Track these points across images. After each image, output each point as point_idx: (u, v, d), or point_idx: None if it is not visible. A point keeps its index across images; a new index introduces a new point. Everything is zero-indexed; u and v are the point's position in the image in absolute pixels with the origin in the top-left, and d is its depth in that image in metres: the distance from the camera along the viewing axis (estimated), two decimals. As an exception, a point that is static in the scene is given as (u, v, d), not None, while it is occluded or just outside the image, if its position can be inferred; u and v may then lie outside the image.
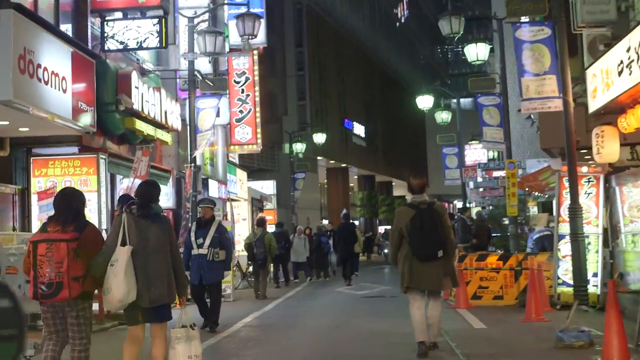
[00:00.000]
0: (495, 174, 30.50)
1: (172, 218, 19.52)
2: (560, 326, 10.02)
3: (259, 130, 25.64)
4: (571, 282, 13.78)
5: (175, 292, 7.69)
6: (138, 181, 15.72)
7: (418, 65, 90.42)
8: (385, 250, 34.29)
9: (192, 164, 19.40)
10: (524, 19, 16.61)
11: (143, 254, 7.49)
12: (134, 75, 15.85)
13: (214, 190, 23.11)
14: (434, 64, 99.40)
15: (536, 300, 12.50)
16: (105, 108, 15.04)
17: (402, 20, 78.85)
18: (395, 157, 70.24)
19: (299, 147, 39.90)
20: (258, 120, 25.55)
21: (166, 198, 19.89)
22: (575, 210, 13.67)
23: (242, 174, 29.92)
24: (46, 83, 11.83)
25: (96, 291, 7.66)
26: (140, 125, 16.29)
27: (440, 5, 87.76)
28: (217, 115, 20.94)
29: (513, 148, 37.42)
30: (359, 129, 58.90)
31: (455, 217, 23.14)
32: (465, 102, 58.23)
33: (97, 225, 14.38)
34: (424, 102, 31.29)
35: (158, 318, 7.59)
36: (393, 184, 74.28)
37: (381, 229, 63.00)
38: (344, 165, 56.60)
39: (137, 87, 15.91)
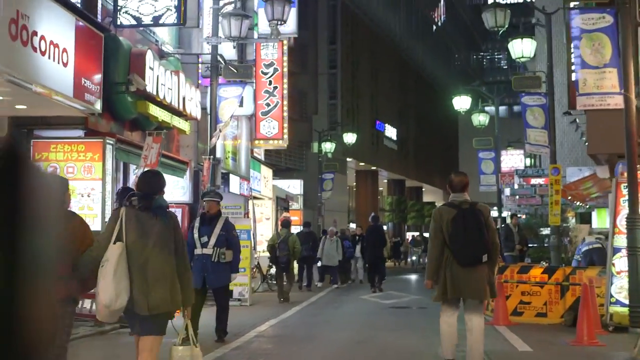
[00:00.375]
0: (534, 181, 28.97)
1: (187, 213, 18.14)
2: (616, 353, 8.51)
3: (285, 125, 24.23)
4: (626, 301, 12.17)
5: (180, 299, 6.57)
6: (149, 171, 14.40)
7: (453, 70, 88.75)
8: (414, 258, 32.96)
9: (211, 156, 18.03)
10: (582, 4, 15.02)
11: (142, 253, 6.44)
12: (149, 55, 14.49)
13: (235, 186, 21.73)
14: (469, 70, 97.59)
15: (589, 320, 10.95)
16: (115, 88, 13.69)
17: (439, 24, 77.17)
18: (426, 162, 68.65)
19: (328, 146, 38.51)
20: (285, 114, 24.14)
21: (182, 192, 18.54)
22: (634, 221, 12.09)
23: (267, 171, 28.54)
24: (43, 53, 10.45)
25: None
26: (154, 110, 14.93)
27: (478, 11, 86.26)
28: (240, 105, 19.55)
29: (562, 153, 35.91)
30: (390, 132, 57.39)
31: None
32: (501, 109, 56.60)
33: (100, 218, 13.10)
34: (461, 103, 29.72)
35: (153, 330, 6.48)
36: (423, 189, 72.83)
37: (409, 235, 61.49)
38: (373, 168, 55.18)
39: (151, 68, 14.55)
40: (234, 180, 21.52)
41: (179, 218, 17.58)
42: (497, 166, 30.46)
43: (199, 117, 17.90)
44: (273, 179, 37.64)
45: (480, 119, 30.14)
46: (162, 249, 6.51)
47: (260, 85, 23.98)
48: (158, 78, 14.92)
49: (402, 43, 62.34)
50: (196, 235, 11.30)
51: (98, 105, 12.59)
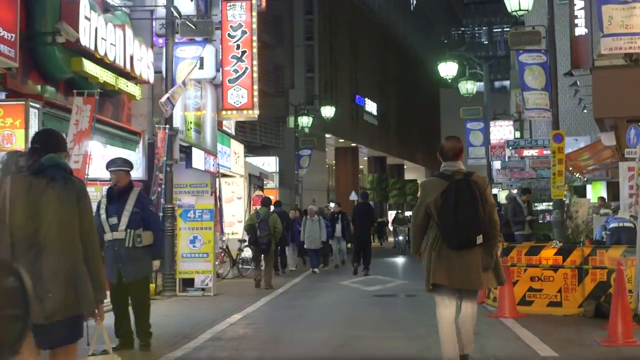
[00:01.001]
0: (526, 152, 26.77)
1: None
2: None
3: (256, 93, 21.85)
4: (661, 289, 10.01)
5: (90, 297, 5.08)
6: (86, 141, 12.11)
7: (434, 44, 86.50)
8: (400, 238, 30.63)
9: (167, 126, 15.73)
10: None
11: (33, 240, 4.87)
12: (84, 2, 12.13)
13: (199, 161, 19.41)
14: (451, 44, 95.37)
15: (624, 313, 8.74)
16: (40, 39, 11.36)
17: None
18: (408, 138, 66.50)
19: (305, 121, 36.23)
20: (255, 81, 21.77)
21: (135, 167, 16.16)
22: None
23: (238, 147, 26.21)
24: None
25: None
26: (92, 68, 12.60)
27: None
28: (201, 67, 17.19)
29: (546, 125, 33.76)
30: (370, 106, 55.09)
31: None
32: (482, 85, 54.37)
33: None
34: (447, 69, 27.48)
35: (59, 340, 5.01)
36: (405, 167, 70.72)
37: (391, 214, 59.42)
38: (353, 144, 52.97)
39: (87, 19, 12.22)
40: (197, 154, 19.20)
41: (130, 197, 15.29)
42: (487, 137, 28.24)
43: (151, 80, 15.60)
44: (247, 155, 35.35)
45: (467, 87, 27.94)
46: (60, 232, 4.92)
47: (227, 50, 21.60)
48: (97, 31, 12.59)
49: (381, 15, 60.01)
50: (103, 216, 8.84)
51: (14, 58, 10.24)
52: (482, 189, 7.10)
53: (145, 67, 15.03)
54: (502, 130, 32.99)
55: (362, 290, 16.45)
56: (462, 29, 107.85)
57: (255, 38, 21.87)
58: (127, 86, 14.30)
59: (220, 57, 20.58)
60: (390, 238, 46.65)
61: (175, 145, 15.92)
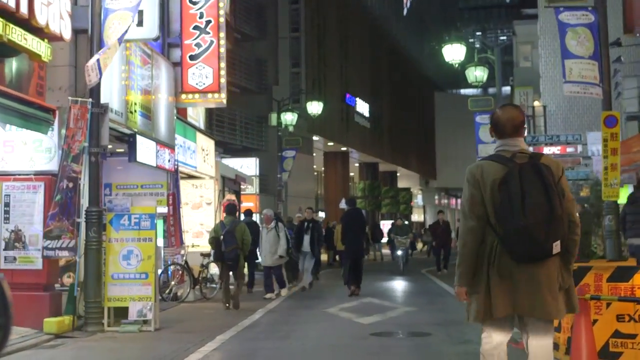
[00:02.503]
0: (546, 150, 22.68)
1: (50, 189, 11.62)
2: None
3: (223, 72, 17.77)
4: None
5: None
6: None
7: (428, 48, 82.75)
8: (399, 252, 25.14)
9: (89, 100, 11.60)
10: None
11: None
12: None
13: (149, 154, 15.27)
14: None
15: None
16: None
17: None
18: (402, 143, 62.51)
19: (290, 118, 32.17)
20: (223, 57, 17.66)
21: (47, 156, 11.97)
22: None
23: (206, 143, 22.08)
24: None
25: None
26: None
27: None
28: (139, 23, 13.00)
29: (562, 122, 29.76)
30: (362, 107, 50.97)
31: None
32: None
33: None
34: (454, 53, 23.40)
35: None
36: (398, 174, 66.67)
37: (384, 224, 55.50)
38: (344, 148, 48.87)
39: None
40: (145, 145, 15.04)
41: (35, 197, 11.18)
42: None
43: (67, 35, 11.46)
44: (223, 157, 31.24)
45: (476, 74, 23.80)
46: None
47: (187, 19, 17.52)
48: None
49: (373, 12, 56.07)
50: None
51: None
52: (556, 177, 5.28)
53: (56, 17, 10.92)
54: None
55: (355, 323, 12.22)
56: (456, 33, 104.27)
57: (222, 5, 17.82)
58: (25, 41, 10.17)
59: (177, 21, 16.52)
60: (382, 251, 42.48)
61: (103, 127, 11.77)
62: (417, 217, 75.29)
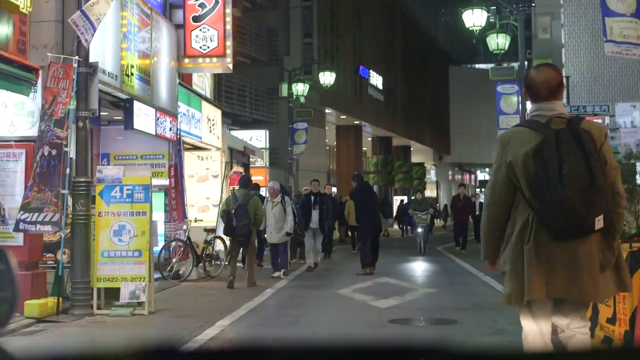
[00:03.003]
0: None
1: (31, 156, 10.47)
2: None
3: (229, 35, 16.56)
4: None
5: None
6: None
7: (444, 18, 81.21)
8: (420, 230, 22.31)
9: (76, 58, 10.42)
10: None
11: None
12: None
13: (147, 122, 14.13)
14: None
15: None
16: None
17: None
18: (415, 117, 61.08)
19: (301, 88, 30.89)
20: (229, 17, 16.43)
21: (29, 121, 10.82)
22: None
23: (213, 112, 20.89)
24: None
25: None
26: None
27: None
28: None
29: (587, 93, 28.41)
30: (376, 79, 49.59)
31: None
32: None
33: None
34: (475, 19, 22.07)
35: None
36: (411, 148, 65.28)
37: (396, 200, 54.28)
38: (357, 122, 47.53)
39: None
40: (143, 112, 13.89)
41: (17, 165, 10.04)
42: (523, 104, 22.81)
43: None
44: (232, 129, 30.07)
45: (498, 41, 22.46)
46: None
47: (190, -23, 16.34)
48: None
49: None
50: None
51: None
52: (598, 143, 4.67)
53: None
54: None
55: (371, 307, 11.05)
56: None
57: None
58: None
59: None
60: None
61: (92, 89, 10.59)
62: (429, 192, 74.00)
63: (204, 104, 19.95)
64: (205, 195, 20.13)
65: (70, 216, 10.52)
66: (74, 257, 10.41)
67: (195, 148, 20.17)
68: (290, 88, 31.06)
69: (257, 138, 30.05)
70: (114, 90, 12.54)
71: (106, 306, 10.78)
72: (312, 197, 18.14)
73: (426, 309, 10.82)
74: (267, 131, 30.50)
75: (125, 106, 13.25)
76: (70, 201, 10.47)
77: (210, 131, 20.55)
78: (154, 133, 14.54)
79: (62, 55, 10.39)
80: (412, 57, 60.11)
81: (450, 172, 78.68)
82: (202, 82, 21.03)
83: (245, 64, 36.30)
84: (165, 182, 16.73)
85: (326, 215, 18.04)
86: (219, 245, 17.08)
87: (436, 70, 70.01)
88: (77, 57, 10.28)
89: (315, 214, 17.78)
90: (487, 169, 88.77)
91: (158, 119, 14.87)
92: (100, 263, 10.64)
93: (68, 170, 10.16)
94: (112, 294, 10.91)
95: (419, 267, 18.65)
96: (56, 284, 10.44)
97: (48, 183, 9.95)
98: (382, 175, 54.65)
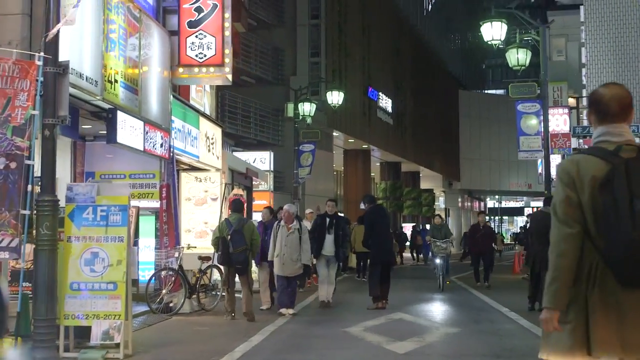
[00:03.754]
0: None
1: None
2: None
3: (228, 42, 15.00)
4: None
5: None
6: None
7: (452, 44, 79.94)
8: (438, 261, 19.29)
9: (41, 54, 8.85)
10: None
11: None
12: None
13: (134, 135, 12.55)
14: (472, 45, 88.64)
15: None
16: None
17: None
18: (425, 142, 59.52)
19: (307, 108, 29.32)
20: (228, 23, 14.88)
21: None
22: None
23: (212, 129, 19.33)
24: None
25: None
26: None
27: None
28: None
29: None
30: (385, 102, 48.05)
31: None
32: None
33: None
34: (493, 31, 20.52)
35: None
36: (421, 174, 63.71)
37: (406, 227, 52.56)
38: (365, 146, 45.98)
39: None
40: (128, 123, 12.33)
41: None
42: (545, 124, 21.16)
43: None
44: (235, 151, 28.52)
45: (519, 56, 20.91)
46: None
47: (186, -22, 14.83)
48: None
49: (397, 3, 53.12)
50: None
51: None
52: None
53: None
54: (554, 121, 25.88)
55: (387, 352, 9.31)
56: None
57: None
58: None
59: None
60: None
61: (62, 92, 8.99)
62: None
63: (202, 120, 18.40)
64: (204, 220, 18.56)
65: (34, 241, 8.91)
66: (37, 289, 8.79)
67: (193, 168, 18.64)
68: (296, 108, 29.52)
69: (261, 160, 28.48)
70: (93, 97, 10.99)
71: (75, 348, 9.17)
72: (328, 220, 15.60)
73: (451, 354, 9.19)
74: (272, 152, 28.92)
75: (107, 117, 11.68)
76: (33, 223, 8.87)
77: (209, 150, 19.00)
78: (141, 148, 12.97)
79: (15, 50, 8.83)
80: (422, 81, 58.70)
81: (459, 199, 76.98)
82: (201, 99, 19.48)
83: (250, 83, 34.86)
84: (156, 204, 15.17)
85: (342, 241, 15.47)
86: (216, 275, 15.51)
87: (445, 95, 68.61)
88: (41, 54, 8.71)
89: (329, 239, 15.20)
90: (496, 196, 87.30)
91: (147, 133, 13.30)
92: (68, 297, 9.03)
93: (30, 187, 8.56)
94: (82, 333, 9.30)
95: (436, 301, 16.96)
96: (18, 320, 8.84)
97: (5, 202, 8.37)
98: (390, 202, 53.08)
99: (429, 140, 61.10)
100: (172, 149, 15.01)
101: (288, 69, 36.51)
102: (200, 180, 18.84)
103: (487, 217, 73.85)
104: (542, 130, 20.86)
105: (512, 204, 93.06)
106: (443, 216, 62.02)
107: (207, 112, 19.88)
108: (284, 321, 12.86)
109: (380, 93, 46.63)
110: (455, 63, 77.14)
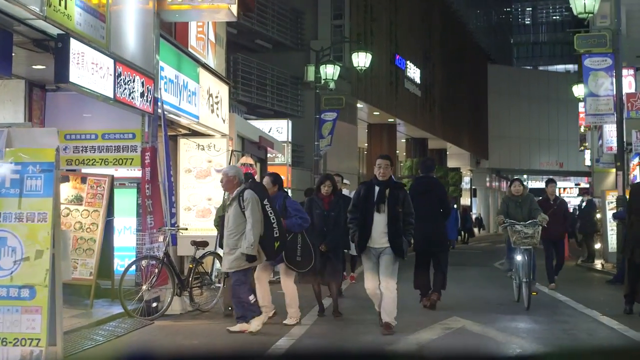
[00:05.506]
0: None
1: None
2: None
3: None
4: None
5: None
6: None
7: (481, 16, 76.04)
8: (519, 258, 12.08)
9: None
10: None
11: None
12: None
13: (101, 76, 9.14)
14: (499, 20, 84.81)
15: None
16: None
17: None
18: (453, 117, 55.88)
19: (330, 71, 25.73)
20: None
21: None
22: None
23: (217, 85, 15.89)
24: None
25: None
26: None
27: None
28: None
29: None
30: (413, 72, 44.37)
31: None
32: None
33: None
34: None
35: None
36: (447, 152, 60.06)
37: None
38: (391, 120, 42.40)
39: None
40: (89, 59, 8.88)
41: None
42: (619, 81, 17.50)
43: None
44: (248, 118, 25.07)
45: (585, 1, 17.27)
46: None
47: None
48: None
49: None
50: None
51: None
52: None
53: None
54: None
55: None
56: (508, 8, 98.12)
57: None
58: None
59: None
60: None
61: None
62: (463, 201, 68.63)
63: (204, 73, 14.95)
64: (207, 196, 15.22)
65: None
66: None
67: (193, 134, 15.26)
68: (317, 72, 25.95)
69: (278, 130, 24.99)
70: (31, 15, 7.54)
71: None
72: (378, 189, 9.84)
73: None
74: (290, 121, 25.41)
75: (55, 46, 8.24)
76: None
77: (212, 111, 15.57)
78: (110, 95, 9.53)
79: None
80: (450, 52, 54.93)
81: (487, 178, 73.25)
82: (204, 49, 16.01)
83: (266, 48, 31.45)
84: (137, 173, 11.79)
85: (405, 224, 9.84)
86: (217, 265, 12.12)
87: (475, 69, 64.85)
88: None
89: (380, 221, 9.66)
90: (525, 176, 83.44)
91: (120, 76, 9.86)
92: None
93: None
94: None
95: (498, 298, 13.37)
96: None
97: None
98: (416, 181, 49.36)
99: (458, 115, 57.49)
100: (159, 103, 11.59)
101: (308, 33, 33.00)
102: (203, 148, 15.44)
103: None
104: (614, 89, 17.21)
105: (538, 184, 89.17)
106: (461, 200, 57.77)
107: (212, 64, 16.42)
108: (301, 331, 9.42)
109: (408, 62, 42.96)
110: (483, 36, 73.25)
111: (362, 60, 26.38)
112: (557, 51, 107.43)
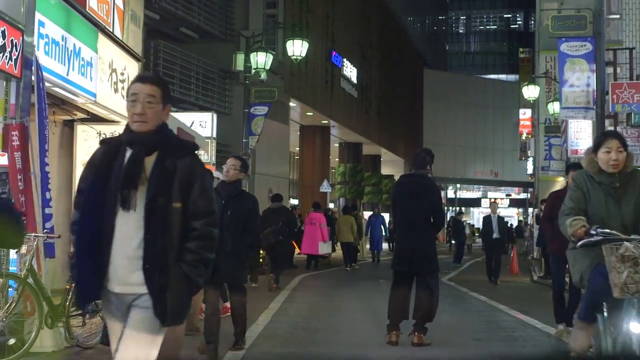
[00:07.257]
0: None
1: None
2: None
3: None
4: None
5: None
6: None
7: (419, 21, 74.09)
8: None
9: None
10: None
11: None
12: None
13: None
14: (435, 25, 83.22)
15: None
16: None
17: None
18: (389, 122, 53.60)
19: (262, 59, 22.82)
20: None
21: None
22: None
23: (122, 61, 12.91)
24: None
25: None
26: None
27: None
28: None
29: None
30: (350, 71, 41.81)
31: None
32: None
33: None
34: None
35: None
36: (382, 158, 57.73)
37: (365, 215, 46.53)
38: (325, 122, 39.81)
39: None
40: None
41: None
42: (600, 70, 14.99)
43: None
44: (173, 110, 21.99)
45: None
46: None
47: None
48: None
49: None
50: None
51: None
52: None
53: None
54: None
55: None
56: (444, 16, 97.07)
57: None
58: None
59: None
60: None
61: None
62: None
63: (105, 41, 11.96)
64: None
65: None
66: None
67: (94, 118, 12.29)
68: (247, 60, 23.04)
69: (201, 123, 21.97)
70: None
71: None
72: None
73: None
74: (214, 114, 22.41)
75: None
76: None
77: (117, 90, 12.57)
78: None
79: None
80: (388, 53, 52.61)
81: (420, 187, 71.18)
82: (109, 15, 12.97)
83: (192, 38, 28.51)
84: (3, 160, 8.75)
85: None
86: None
87: (412, 72, 62.79)
88: None
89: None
90: (458, 185, 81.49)
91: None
92: None
93: None
94: None
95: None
96: None
97: None
98: (349, 187, 47.05)
99: (394, 120, 55.25)
100: (34, 66, 8.58)
101: (239, 23, 30.13)
102: (104, 137, 12.38)
103: (450, 209, 68.08)
104: (595, 79, 14.70)
105: (468, 194, 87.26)
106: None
107: (120, 37, 13.40)
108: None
109: (344, 60, 40.37)
110: (420, 42, 71.35)
111: (297, 48, 23.48)
112: (489, 60, 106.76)
